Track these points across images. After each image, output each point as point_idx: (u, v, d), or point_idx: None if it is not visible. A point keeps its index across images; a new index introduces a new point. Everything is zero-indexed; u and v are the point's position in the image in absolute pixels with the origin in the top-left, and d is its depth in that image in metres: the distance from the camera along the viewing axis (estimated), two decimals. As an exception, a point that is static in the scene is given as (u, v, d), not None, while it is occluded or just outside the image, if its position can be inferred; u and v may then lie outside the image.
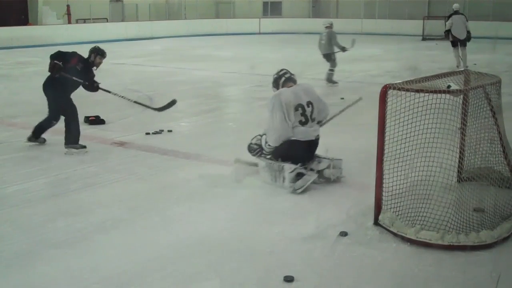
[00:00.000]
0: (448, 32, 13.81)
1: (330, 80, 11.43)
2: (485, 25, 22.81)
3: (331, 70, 11.55)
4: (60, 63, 6.03)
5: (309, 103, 4.96)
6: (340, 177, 5.03)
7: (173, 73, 13.45)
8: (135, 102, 6.91)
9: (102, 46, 6.51)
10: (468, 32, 13.74)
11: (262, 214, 4.34)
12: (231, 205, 4.51)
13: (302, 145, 4.90)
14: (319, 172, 4.94)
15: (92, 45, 6.55)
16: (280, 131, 4.84)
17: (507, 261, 3.54)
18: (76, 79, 6.20)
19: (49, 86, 6.17)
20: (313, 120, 4.99)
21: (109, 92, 6.59)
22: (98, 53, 6.34)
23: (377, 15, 27.66)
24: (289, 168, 4.75)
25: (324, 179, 4.98)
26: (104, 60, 6.44)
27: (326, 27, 11.84)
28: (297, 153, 4.90)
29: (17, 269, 3.43)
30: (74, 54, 6.33)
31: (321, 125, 5.19)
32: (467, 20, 13.87)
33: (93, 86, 6.44)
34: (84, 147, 6.10)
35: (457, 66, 13.46)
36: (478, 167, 4.43)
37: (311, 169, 4.91)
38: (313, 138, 4.99)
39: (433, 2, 27.25)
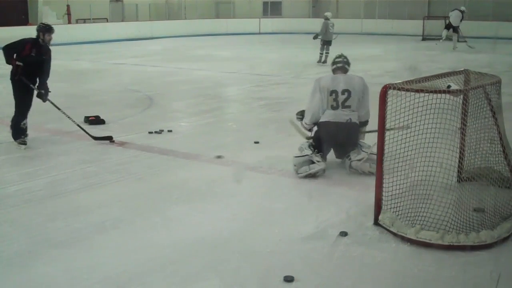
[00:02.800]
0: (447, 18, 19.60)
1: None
2: (485, 25, 22.85)
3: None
4: (21, 64, 6.08)
5: (345, 91, 5.22)
6: (372, 172, 4.98)
7: (173, 73, 13.45)
8: (77, 125, 6.65)
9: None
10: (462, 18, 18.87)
11: (262, 214, 4.34)
12: (231, 205, 4.51)
13: (331, 126, 5.19)
14: (351, 163, 5.17)
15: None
16: (313, 111, 5.32)
17: (507, 261, 3.54)
18: (33, 87, 6.26)
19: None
20: (345, 106, 5.22)
21: (56, 107, 6.55)
22: (44, 31, 6.26)
23: (377, 15, 27.68)
24: (300, 148, 5.23)
25: (353, 170, 5.17)
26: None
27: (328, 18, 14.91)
28: (326, 133, 5.23)
29: (17, 269, 3.43)
30: (23, 42, 6.24)
31: (362, 131, 5.51)
32: (462, 16, 18.92)
33: (45, 96, 6.36)
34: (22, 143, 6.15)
35: (440, 40, 19.89)
36: (478, 167, 4.43)
37: (319, 160, 5.12)
38: (343, 121, 5.18)
39: (433, 2, 27.26)
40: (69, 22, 24.21)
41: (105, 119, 7.56)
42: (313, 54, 16.95)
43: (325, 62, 14.33)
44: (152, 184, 5.10)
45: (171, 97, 10.31)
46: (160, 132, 7.03)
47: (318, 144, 5.27)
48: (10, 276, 3.36)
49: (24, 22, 23.23)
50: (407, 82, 3.99)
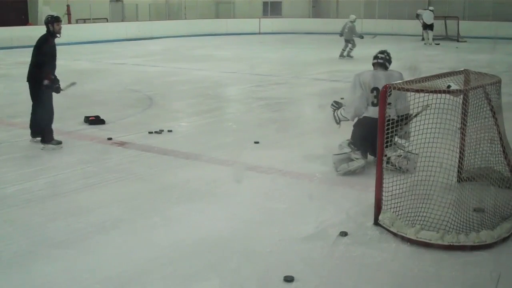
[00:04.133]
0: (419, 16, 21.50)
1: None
2: (485, 25, 22.84)
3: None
4: (54, 77, 6.11)
5: None
6: (412, 170, 4.90)
7: (173, 73, 13.45)
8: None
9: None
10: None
11: (262, 214, 4.34)
12: (231, 205, 4.51)
13: (372, 122, 5.00)
14: (389, 160, 5.05)
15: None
16: (356, 105, 5.25)
17: (507, 261, 3.54)
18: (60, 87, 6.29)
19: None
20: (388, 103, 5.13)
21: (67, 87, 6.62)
22: (53, 21, 6.35)
23: (377, 15, 27.66)
24: (340, 146, 5.20)
25: (392, 166, 5.05)
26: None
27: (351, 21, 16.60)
28: (367, 129, 5.07)
29: (17, 269, 3.43)
30: (42, 39, 6.30)
31: (406, 122, 5.29)
32: (434, 14, 21.16)
33: (58, 88, 6.37)
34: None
35: (423, 39, 21.56)
36: (478, 167, 4.43)
37: (358, 158, 5.15)
38: (375, 117, 5.01)
39: (433, 2, 27.25)
40: (69, 22, 24.18)
41: (105, 119, 7.56)
42: (313, 54, 16.97)
43: (342, 56, 16.36)
44: (152, 184, 5.10)
45: (171, 97, 10.31)
46: (160, 132, 7.03)
47: (357, 141, 5.26)
48: (10, 276, 3.36)
49: (24, 22, 23.23)
50: (407, 82, 3.99)
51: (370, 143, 5.19)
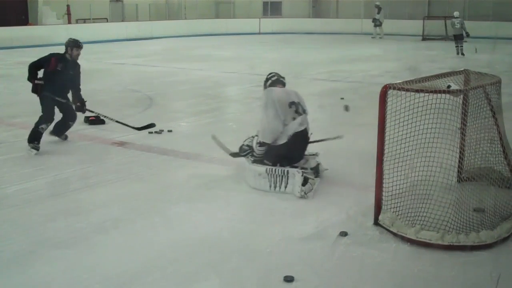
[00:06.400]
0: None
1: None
2: (485, 25, 22.81)
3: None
4: (42, 82, 6.12)
5: (299, 102, 4.98)
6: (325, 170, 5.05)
7: (173, 73, 13.45)
8: (117, 121, 6.84)
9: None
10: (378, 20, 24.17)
11: (262, 214, 4.34)
12: (231, 205, 4.51)
13: (301, 135, 4.85)
14: (316, 172, 4.95)
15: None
16: (272, 127, 4.80)
17: (507, 261, 3.54)
18: (62, 100, 6.30)
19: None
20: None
21: (93, 112, 6.72)
22: (73, 45, 6.31)
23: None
24: (296, 172, 4.66)
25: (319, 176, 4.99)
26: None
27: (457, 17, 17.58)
28: (292, 150, 4.86)
29: (17, 269, 3.43)
30: (49, 57, 6.25)
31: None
32: (378, 12, 24.00)
33: (83, 107, 6.48)
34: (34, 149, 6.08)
35: (373, 37, 24.33)
36: (478, 167, 4.43)
37: (307, 170, 4.88)
38: (302, 129, 4.88)
39: (433, 2, 27.24)
40: (69, 22, 24.17)
41: (105, 119, 7.56)
42: (313, 54, 16.97)
43: (462, 54, 16.96)
44: (152, 184, 5.10)
45: (171, 97, 10.31)
46: (160, 132, 7.03)
47: (277, 161, 4.84)
48: (10, 276, 3.36)
49: (24, 22, 23.22)
50: (407, 82, 3.99)
51: (296, 156, 4.97)
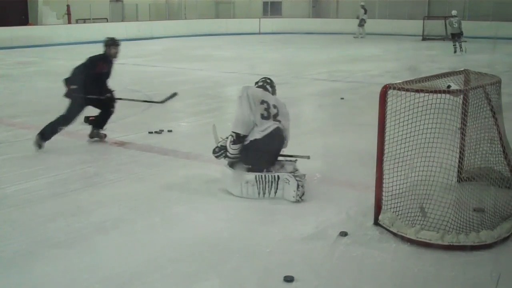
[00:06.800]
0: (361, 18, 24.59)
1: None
2: (485, 25, 22.82)
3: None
4: (75, 87, 6.13)
5: (275, 106, 4.88)
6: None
7: (173, 73, 13.45)
8: (144, 101, 7.18)
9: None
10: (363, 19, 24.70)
11: (262, 214, 4.34)
12: (231, 205, 4.51)
13: (270, 139, 4.75)
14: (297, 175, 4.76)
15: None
16: (244, 119, 4.76)
17: (507, 261, 3.54)
18: (101, 97, 6.46)
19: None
20: (276, 120, 4.85)
21: (122, 99, 6.82)
22: (111, 44, 6.44)
23: (377, 15, 27.66)
24: (288, 176, 4.57)
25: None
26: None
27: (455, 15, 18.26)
28: (265, 149, 4.76)
29: (17, 269, 3.43)
30: (93, 60, 6.32)
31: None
32: (364, 12, 24.56)
33: (113, 97, 6.61)
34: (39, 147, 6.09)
35: (355, 37, 24.73)
36: (478, 167, 4.43)
37: (296, 173, 4.78)
38: (273, 129, 4.77)
39: (433, 2, 27.25)
40: (69, 22, 24.19)
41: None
42: (313, 54, 16.97)
43: (460, 50, 17.64)
44: (152, 184, 5.10)
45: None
46: (160, 132, 7.03)
47: (252, 162, 4.78)
48: (10, 276, 3.36)
49: (24, 22, 23.23)
50: (407, 82, 3.99)
51: (267, 159, 4.87)
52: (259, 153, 4.75)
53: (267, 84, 5.10)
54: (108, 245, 3.78)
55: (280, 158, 5.01)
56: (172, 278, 3.31)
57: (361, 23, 24.78)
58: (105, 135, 6.64)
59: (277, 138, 4.86)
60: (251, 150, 4.76)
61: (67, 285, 3.25)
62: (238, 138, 4.78)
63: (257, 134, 4.76)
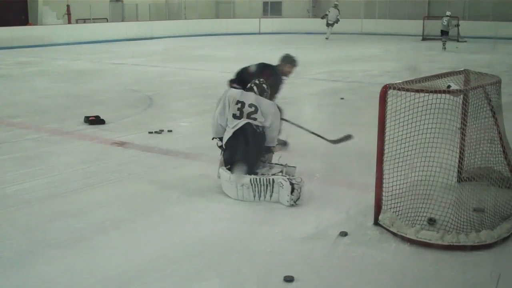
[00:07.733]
0: (325, 16, 23.93)
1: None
2: (485, 25, 22.83)
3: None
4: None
5: (252, 105, 4.83)
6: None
7: (173, 73, 13.45)
8: (311, 132, 5.95)
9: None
10: (338, 19, 23.57)
11: (262, 214, 4.34)
12: (231, 205, 4.51)
13: (237, 135, 4.76)
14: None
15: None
16: (214, 121, 4.95)
17: (507, 261, 3.54)
18: None
19: None
20: (250, 118, 4.82)
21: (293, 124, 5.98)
22: (287, 62, 5.95)
23: (377, 15, 27.65)
24: (283, 180, 4.49)
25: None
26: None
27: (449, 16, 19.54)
28: (236, 145, 4.78)
29: (17, 269, 3.43)
30: (261, 68, 5.79)
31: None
32: (339, 12, 23.66)
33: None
34: None
35: (326, 38, 23.69)
36: (478, 167, 4.43)
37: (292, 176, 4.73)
38: (242, 125, 4.78)
39: (433, 2, 27.24)
40: (69, 22, 24.17)
41: (105, 119, 7.56)
42: (313, 54, 16.96)
43: (443, 48, 18.89)
44: (152, 184, 5.10)
45: (171, 97, 10.30)
46: (160, 132, 7.03)
47: (231, 162, 4.79)
48: (10, 276, 3.36)
49: (24, 22, 23.23)
50: (407, 82, 3.99)
51: (241, 156, 4.80)
52: (233, 150, 4.84)
53: (254, 85, 5.03)
54: (108, 245, 3.78)
55: (281, 156, 5.01)
56: (172, 278, 3.31)
57: (330, 24, 23.63)
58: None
59: (248, 133, 4.80)
60: (226, 149, 4.89)
61: (67, 285, 3.25)
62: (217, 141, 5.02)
63: (228, 133, 4.87)
